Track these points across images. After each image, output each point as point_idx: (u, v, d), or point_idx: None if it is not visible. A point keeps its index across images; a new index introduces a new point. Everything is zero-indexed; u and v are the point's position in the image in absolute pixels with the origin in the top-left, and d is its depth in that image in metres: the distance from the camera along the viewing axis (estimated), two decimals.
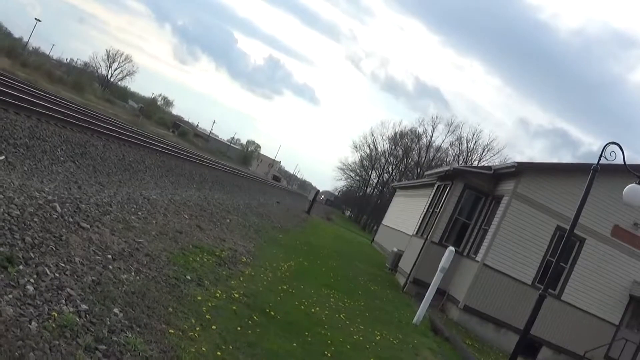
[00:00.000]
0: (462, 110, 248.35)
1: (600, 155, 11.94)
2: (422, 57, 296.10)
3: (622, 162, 12.26)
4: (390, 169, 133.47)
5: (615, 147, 12.02)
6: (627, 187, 12.35)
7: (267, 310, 12.21)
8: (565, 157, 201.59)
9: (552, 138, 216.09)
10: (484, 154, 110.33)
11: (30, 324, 6.52)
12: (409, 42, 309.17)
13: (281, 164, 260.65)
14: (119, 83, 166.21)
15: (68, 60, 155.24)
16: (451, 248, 19.71)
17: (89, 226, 11.19)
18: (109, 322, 7.67)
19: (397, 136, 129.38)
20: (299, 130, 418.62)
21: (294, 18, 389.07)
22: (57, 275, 8.08)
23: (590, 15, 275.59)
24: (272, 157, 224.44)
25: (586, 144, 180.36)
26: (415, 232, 30.62)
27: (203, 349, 8.45)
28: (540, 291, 11.58)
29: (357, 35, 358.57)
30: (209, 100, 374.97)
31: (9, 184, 11.49)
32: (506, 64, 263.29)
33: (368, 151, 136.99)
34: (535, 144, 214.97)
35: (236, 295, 12.24)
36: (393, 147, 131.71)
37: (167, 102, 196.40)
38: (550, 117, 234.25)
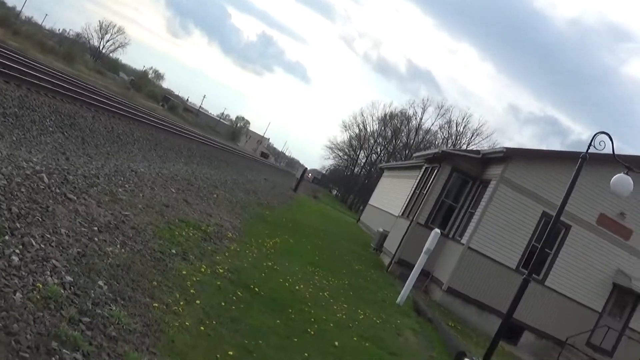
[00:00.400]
0: (453, 94, 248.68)
1: (590, 144, 11.97)
2: (416, 39, 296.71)
3: (611, 152, 12.29)
4: (378, 149, 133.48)
5: (604, 137, 12.06)
6: (614, 176, 12.41)
7: (252, 286, 12.24)
8: (555, 145, 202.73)
9: (542, 125, 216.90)
10: (473, 138, 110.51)
11: (14, 295, 6.51)
12: (403, 24, 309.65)
13: (270, 141, 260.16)
14: (111, 55, 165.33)
15: (60, 31, 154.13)
16: (437, 230, 19.79)
17: (75, 198, 11.17)
18: (93, 295, 7.67)
19: (387, 117, 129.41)
20: (289, 108, 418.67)
21: None
22: (43, 246, 8.07)
23: (586, 6, 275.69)
24: (261, 134, 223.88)
25: (576, 133, 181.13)
26: (401, 213, 30.66)
27: (187, 323, 8.48)
28: (524, 276, 11.64)
29: (352, 15, 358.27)
30: (200, 74, 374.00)
31: None
32: (500, 51, 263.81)
33: (357, 131, 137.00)
34: (525, 130, 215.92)
35: (221, 271, 12.26)
36: (382, 127, 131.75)
37: (158, 76, 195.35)
38: (541, 105, 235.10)
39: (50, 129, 18.01)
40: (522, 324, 22.46)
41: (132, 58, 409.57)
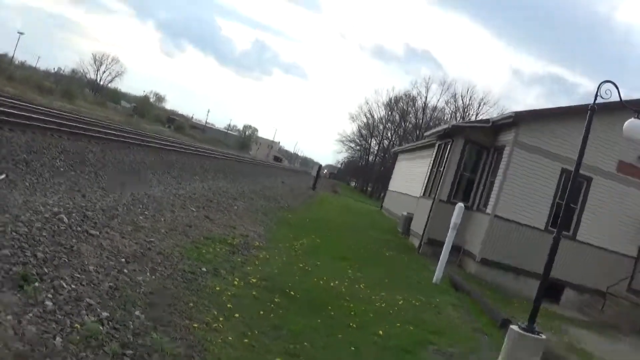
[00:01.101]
0: (453, 67, 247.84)
1: (596, 95, 11.85)
2: (408, 19, 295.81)
3: (618, 99, 12.19)
4: (389, 134, 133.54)
5: (609, 85, 11.94)
6: (626, 122, 12.32)
7: (287, 290, 12.23)
8: (563, 102, 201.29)
9: (548, 84, 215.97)
10: (480, 108, 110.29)
11: (54, 339, 6.52)
12: (394, 6, 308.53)
13: (280, 144, 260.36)
14: (109, 85, 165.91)
15: (56, 70, 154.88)
16: (460, 204, 19.75)
17: (98, 233, 11.20)
18: (132, 326, 7.69)
19: (392, 101, 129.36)
20: (294, 108, 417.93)
21: None
22: (74, 286, 8.08)
23: None
24: (271, 139, 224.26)
25: (582, 86, 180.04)
26: (422, 194, 30.59)
27: (229, 338, 8.48)
28: (554, 234, 11.56)
29: (341, 6, 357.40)
30: (201, 90, 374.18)
31: (13, 202, 11.50)
32: (493, 16, 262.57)
33: (365, 120, 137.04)
34: (531, 92, 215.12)
35: (254, 281, 12.26)
36: (389, 112, 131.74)
37: (160, 98, 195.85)
38: (543, 64, 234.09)
39: (62, 169, 18.06)
40: (560, 282, 22.32)
41: (131, 85, 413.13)
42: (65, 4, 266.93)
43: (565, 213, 12.77)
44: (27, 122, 21.20)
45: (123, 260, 10.21)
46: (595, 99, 11.83)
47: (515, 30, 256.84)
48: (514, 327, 10.93)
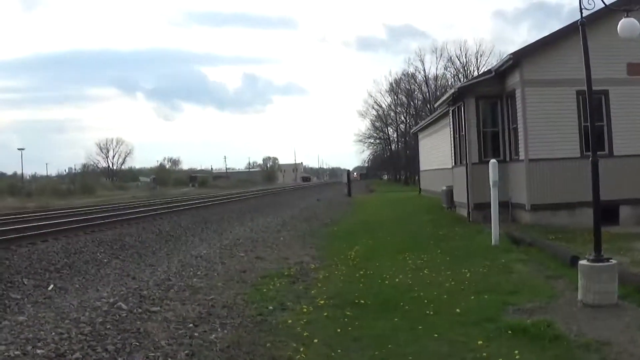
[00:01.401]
0: (439, 31, 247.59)
1: (581, 9, 11.76)
2: (377, 3, 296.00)
3: (603, 4, 12.08)
4: (402, 117, 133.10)
5: None
6: (619, 23, 12.24)
7: (356, 301, 12.18)
8: (555, 25, 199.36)
9: (533, 14, 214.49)
10: (479, 62, 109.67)
11: None
12: None
13: (304, 164, 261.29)
14: (123, 167, 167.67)
15: (67, 171, 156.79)
16: (493, 160, 19.65)
17: (159, 308, 11.26)
18: None
19: (394, 85, 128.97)
20: (305, 125, 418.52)
21: (243, 28, 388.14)
22: None
23: None
24: (293, 162, 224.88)
25: (567, 4, 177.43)
26: (454, 163, 30.51)
27: None
28: (591, 158, 11.47)
29: (311, 14, 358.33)
30: (211, 140, 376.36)
31: (69, 306, 11.61)
32: None
33: (374, 112, 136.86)
34: (520, 28, 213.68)
35: (322, 302, 12.22)
36: (395, 97, 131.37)
37: (175, 162, 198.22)
38: None
39: (105, 260, 18.27)
40: (613, 202, 21.94)
41: (144, 159, 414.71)
42: (53, 108, 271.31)
43: (594, 133, 12.69)
44: (57, 229, 21.50)
45: (191, 325, 10.23)
46: (581, 13, 11.72)
47: None
48: (582, 261, 10.84)
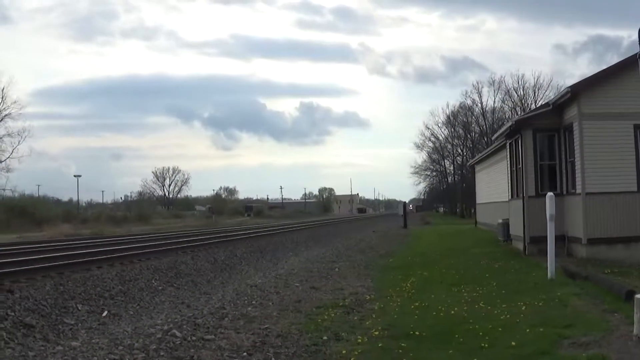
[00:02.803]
0: (497, 65, 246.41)
1: None
2: (436, 36, 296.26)
3: None
4: (459, 150, 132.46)
5: None
6: None
7: (411, 332, 12.21)
8: (613, 59, 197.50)
9: (592, 47, 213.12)
10: (536, 95, 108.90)
11: None
12: (416, 29, 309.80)
13: (359, 195, 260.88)
14: (179, 196, 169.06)
15: (123, 198, 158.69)
16: (550, 194, 19.53)
17: (213, 336, 11.45)
18: None
19: (451, 117, 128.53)
20: (362, 156, 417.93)
21: (303, 59, 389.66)
22: None
23: None
24: (349, 194, 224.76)
25: (626, 37, 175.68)
26: (510, 196, 30.36)
27: None
28: None
29: (369, 46, 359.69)
30: (267, 170, 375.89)
31: (122, 333, 11.87)
32: (511, 1, 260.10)
33: (431, 144, 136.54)
34: (580, 61, 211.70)
35: (376, 333, 12.28)
36: (452, 129, 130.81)
37: (231, 191, 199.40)
38: (579, 29, 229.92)
39: (160, 287, 18.51)
40: None
41: (200, 187, 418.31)
42: (110, 135, 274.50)
43: None
44: (112, 255, 21.84)
45: (245, 354, 10.39)
46: None
47: (537, 7, 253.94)
48: (638, 296, 10.79)
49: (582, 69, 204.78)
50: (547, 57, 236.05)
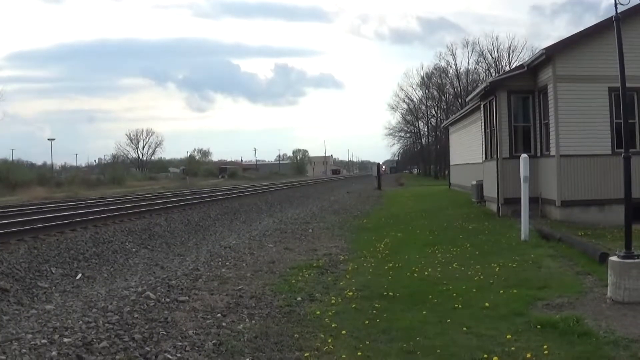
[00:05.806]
0: (472, 26, 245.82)
1: (616, 5, 11.64)
2: None
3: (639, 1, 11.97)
4: (433, 112, 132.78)
5: None
6: None
7: (385, 293, 12.17)
8: (592, 21, 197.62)
9: (570, 9, 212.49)
10: (511, 57, 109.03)
11: None
12: None
13: (334, 156, 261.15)
14: (153, 158, 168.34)
15: (97, 161, 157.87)
16: (524, 155, 19.52)
17: (187, 297, 11.33)
18: None
19: (425, 79, 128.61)
20: (336, 118, 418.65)
21: (277, 20, 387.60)
22: (179, 354, 8.16)
23: None
24: (323, 155, 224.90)
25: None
26: (484, 158, 30.36)
27: (343, 356, 8.43)
28: (623, 154, 11.36)
29: (343, 6, 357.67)
30: (241, 132, 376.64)
31: (96, 295, 11.75)
32: None
33: (405, 106, 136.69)
34: (557, 23, 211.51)
35: (350, 294, 12.21)
36: (426, 91, 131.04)
37: (205, 153, 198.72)
38: None
39: (134, 249, 18.40)
40: None
41: (174, 150, 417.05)
42: (83, 98, 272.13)
43: (626, 130, 12.57)
44: (86, 218, 21.66)
45: (219, 315, 10.29)
46: (616, 8, 11.59)
47: None
48: (612, 258, 10.76)
49: (560, 30, 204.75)
50: (524, 18, 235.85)
